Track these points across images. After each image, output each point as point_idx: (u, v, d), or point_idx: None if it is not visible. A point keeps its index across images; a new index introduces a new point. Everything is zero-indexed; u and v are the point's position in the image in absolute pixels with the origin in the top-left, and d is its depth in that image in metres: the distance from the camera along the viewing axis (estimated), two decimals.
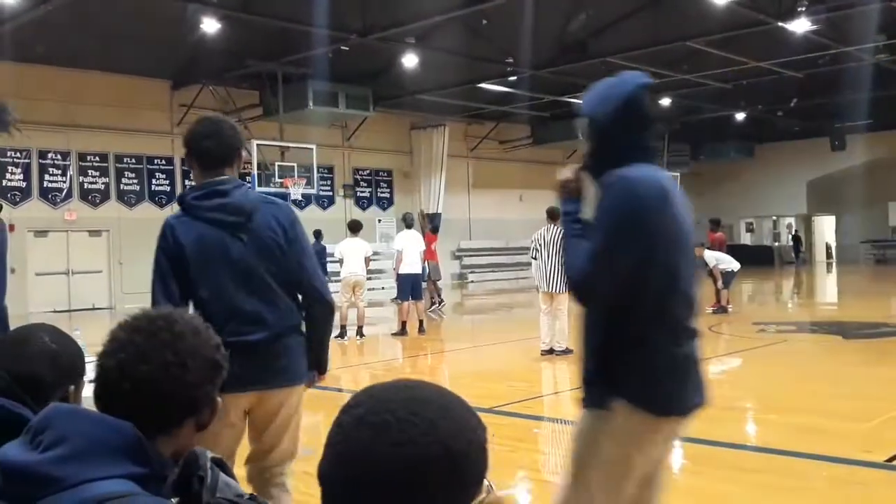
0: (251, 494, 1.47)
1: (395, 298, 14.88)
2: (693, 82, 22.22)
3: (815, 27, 17.00)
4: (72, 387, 1.86)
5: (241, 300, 2.93)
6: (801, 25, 16.74)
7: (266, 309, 2.95)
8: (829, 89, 23.33)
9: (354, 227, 12.99)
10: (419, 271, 13.45)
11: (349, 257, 12.56)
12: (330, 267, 13.47)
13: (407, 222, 13.72)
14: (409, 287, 13.15)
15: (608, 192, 2.42)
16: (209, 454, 1.45)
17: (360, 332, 12.89)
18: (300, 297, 3.13)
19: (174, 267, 3.06)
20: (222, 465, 1.47)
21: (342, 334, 12.73)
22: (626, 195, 2.37)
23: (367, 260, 12.86)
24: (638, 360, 2.47)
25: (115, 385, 1.32)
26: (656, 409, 2.47)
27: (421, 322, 13.63)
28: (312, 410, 7.45)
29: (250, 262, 2.94)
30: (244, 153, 3.19)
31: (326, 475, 1.06)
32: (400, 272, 13.19)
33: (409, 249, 13.03)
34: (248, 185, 3.20)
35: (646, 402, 2.46)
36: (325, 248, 15.01)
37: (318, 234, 16.02)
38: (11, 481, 1.22)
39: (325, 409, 7.97)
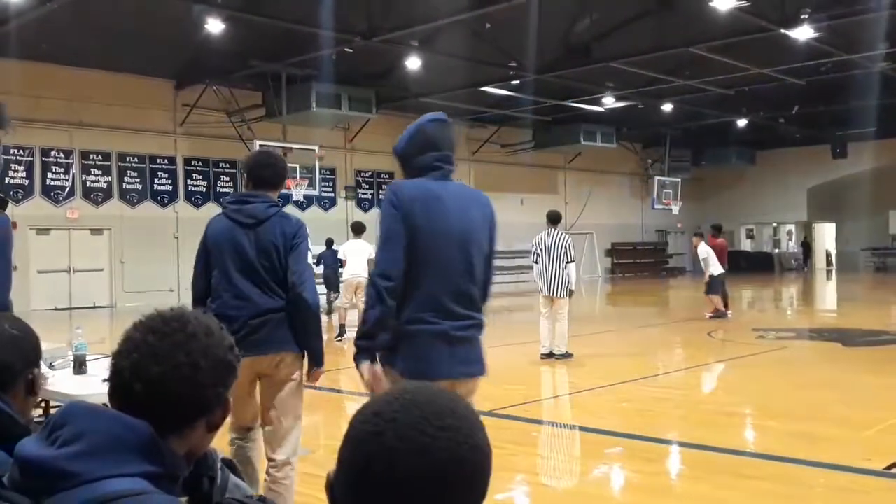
0: (260, 496, 1.48)
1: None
2: (695, 88, 22.23)
3: (817, 34, 17.00)
4: (35, 370, 1.87)
5: (237, 281, 3.69)
6: (803, 33, 16.75)
7: (255, 292, 3.68)
8: (831, 97, 23.35)
9: (358, 229, 12.94)
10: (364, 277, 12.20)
11: (352, 258, 12.55)
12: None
13: (356, 230, 13.10)
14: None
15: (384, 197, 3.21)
16: (220, 455, 1.46)
17: None
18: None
19: (205, 251, 3.83)
20: (232, 467, 1.48)
21: (341, 334, 12.84)
22: (388, 197, 3.10)
23: (370, 262, 12.02)
24: (402, 332, 2.99)
25: (127, 385, 1.34)
26: (408, 375, 2.91)
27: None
28: (311, 411, 7.48)
29: (251, 255, 3.70)
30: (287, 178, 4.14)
31: (354, 494, 1.08)
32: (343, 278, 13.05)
33: (352, 258, 12.66)
34: (279, 205, 3.85)
35: (402, 368, 2.97)
36: (336, 252, 14.96)
37: (329, 243, 16.59)
38: (28, 475, 1.24)
39: (324, 410, 8.01)
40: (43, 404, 4.42)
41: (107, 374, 1.39)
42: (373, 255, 12.34)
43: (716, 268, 15.00)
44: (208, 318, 1.44)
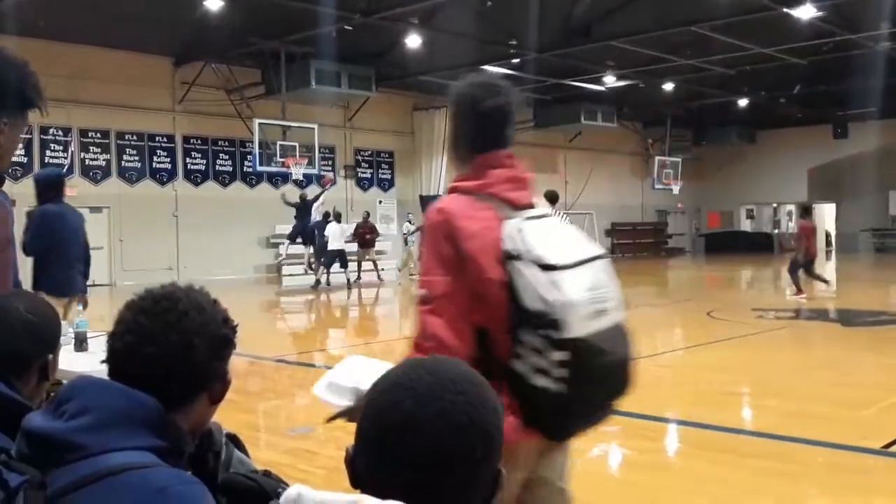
0: (265, 470, 1.48)
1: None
2: (696, 67, 22.14)
3: (820, 14, 16.92)
4: (50, 355, 1.84)
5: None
6: (806, 12, 16.66)
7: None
8: (832, 77, 23.26)
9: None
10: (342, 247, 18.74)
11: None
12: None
13: (334, 215, 18.95)
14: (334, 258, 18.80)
15: None
16: (224, 430, 1.47)
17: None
18: None
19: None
20: (236, 442, 1.48)
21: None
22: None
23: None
24: None
25: (124, 366, 1.35)
26: None
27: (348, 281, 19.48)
28: (309, 390, 7.51)
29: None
30: None
31: (379, 462, 1.09)
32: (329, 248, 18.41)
33: (334, 236, 18.15)
34: None
35: None
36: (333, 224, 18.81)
37: (326, 216, 19.31)
38: (36, 447, 1.25)
39: None
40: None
41: (104, 356, 1.39)
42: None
43: (798, 250, 14.72)
44: (200, 294, 1.44)
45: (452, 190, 2.23)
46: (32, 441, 1.25)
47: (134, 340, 1.35)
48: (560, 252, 2.03)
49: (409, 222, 21.65)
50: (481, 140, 2.28)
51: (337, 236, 18.41)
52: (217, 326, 1.41)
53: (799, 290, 14.56)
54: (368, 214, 21.49)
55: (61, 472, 1.21)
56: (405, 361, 1.16)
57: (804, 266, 14.67)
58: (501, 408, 1.15)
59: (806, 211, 15.68)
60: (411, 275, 21.04)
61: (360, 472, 1.11)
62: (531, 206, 2.25)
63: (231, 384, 1.46)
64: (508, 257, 2.03)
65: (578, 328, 1.95)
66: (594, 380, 2.02)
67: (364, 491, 1.10)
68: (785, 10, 16.35)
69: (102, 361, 1.39)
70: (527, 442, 2.10)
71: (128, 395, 1.29)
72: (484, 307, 2.03)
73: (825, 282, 14.61)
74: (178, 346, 1.34)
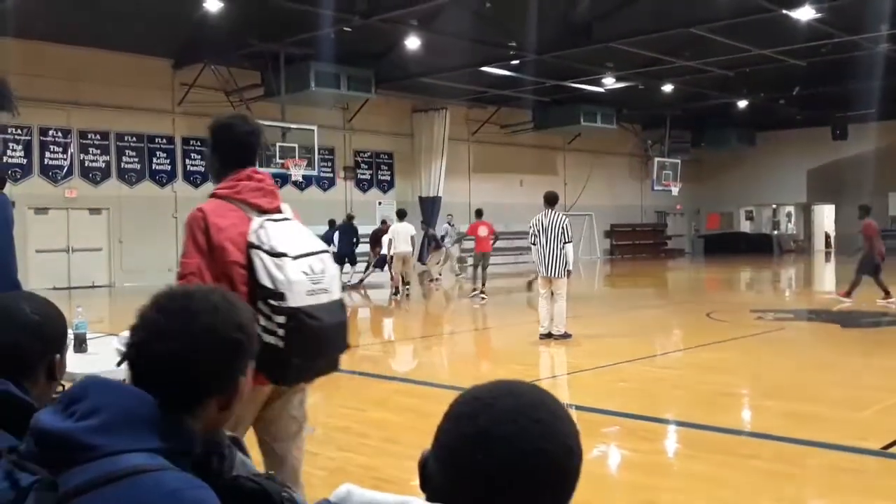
0: (268, 473, 1.48)
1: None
2: (696, 69, 22.14)
3: (819, 15, 16.92)
4: (57, 355, 1.83)
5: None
6: (805, 13, 16.67)
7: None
8: (831, 78, 23.25)
9: (402, 214, 17.48)
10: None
11: (399, 238, 16.81)
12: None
13: (400, 215, 17.82)
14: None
15: None
16: (227, 433, 1.47)
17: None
18: None
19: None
20: (238, 444, 1.49)
21: (397, 292, 17.07)
22: None
23: (413, 239, 17.26)
24: None
25: (135, 363, 1.36)
26: None
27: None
28: (311, 390, 7.50)
29: None
30: None
31: (451, 480, 1.10)
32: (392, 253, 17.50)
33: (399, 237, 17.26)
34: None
35: None
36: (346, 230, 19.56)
37: (332, 224, 19.89)
38: (46, 446, 1.25)
39: (323, 390, 8.02)
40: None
41: (104, 357, 1.40)
42: (414, 233, 17.35)
43: (865, 251, 14.13)
44: (218, 294, 1.43)
45: (212, 196, 2.94)
46: (42, 440, 1.25)
47: (145, 337, 1.36)
48: (289, 245, 2.75)
49: (449, 224, 21.63)
50: (234, 159, 2.98)
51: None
52: (229, 330, 1.39)
53: (886, 294, 13.74)
54: (384, 221, 21.47)
55: (72, 472, 1.21)
56: (495, 381, 1.17)
57: (875, 269, 13.87)
58: (579, 448, 1.13)
59: (866, 210, 14.57)
60: (457, 274, 21.74)
61: (430, 476, 1.13)
62: (277, 211, 2.94)
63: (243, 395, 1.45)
64: (251, 246, 2.75)
65: (297, 300, 2.68)
66: (308, 339, 2.72)
67: (430, 495, 1.11)
68: (784, 11, 16.36)
69: (120, 357, 1.40)
70: (265, 386, 2.82)
71: (137, 396, 1.30)
72: (229, 283, 2.68)
73: (887, 292, 13.75)
74: (186, 345, 1.35)
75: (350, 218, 20.13)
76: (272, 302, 2.67)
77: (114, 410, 1.26)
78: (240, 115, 3.14)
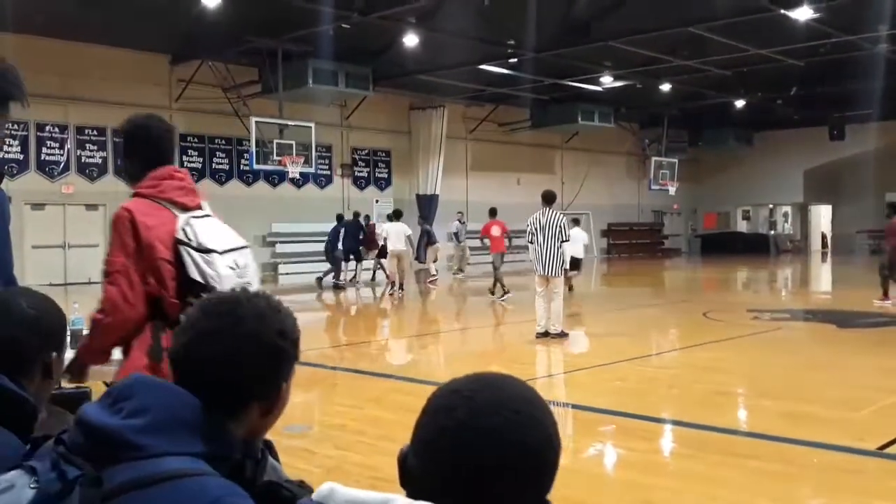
0: (300, 481, 1.48)
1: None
2: (694, 68, 22.14)
3: (817, 15, 16.92)
4: (54, 353, 1.80)
5: None
6: (803, 13, 16.67)
7: None
8: (829, 78, 23.26)
9: (398, 214, 18.02)
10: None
11: (393, 237, 17.22)
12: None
13: (397, 215, 18.34)
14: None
15: None
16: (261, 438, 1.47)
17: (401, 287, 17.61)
18: None
19: None
20: (271, 449, 1.49)
21: (400, 287, 17.39)
22: None
23: (408, 238, 17.72)
24: None
25: (180, 365, 1.37)
26: None
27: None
28: (306, 388, 7.50)
29: None
30: None
31: (428, 468, 1.10)
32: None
33: (393, 236, 17.52)
34: None
35: None
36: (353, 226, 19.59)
37: (339, 218, 20.03)
38: (93, 441, 1.25)
39: (319, 388, 8.00)
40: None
41: None
42: (409, 232, 17.73)
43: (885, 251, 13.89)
44: (264, 300, 1.44)
45: (136, 195, 3.00)
46: (90, 434, 1.26)
47: (189, 339, 1.37)
48: (216, 241, 2.84)
49: (460, 221, 21.79)
50: (154, 158, 3.02)
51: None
52: (272, 337, 1.40)
53: (885, 295, 13.60)
54: (368, 217, 21.74)
55: (117, 469, 1.22)
56: (472, 374, 1.17)
57: (890, 267, 13.61)
58: (558, 439, 1.13)
59: (894, 208, 14.02)
60: (460, 270, 21.84)
61: (410, 471, 1.12)
62: (199, 208, 3.00)
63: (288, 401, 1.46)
64: (179, 243, 2.81)
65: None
66: None
67: (410, 491, 1.10)
68: (782, 11, 16.36)
69: (167, 356, 1.41)
70: None
71: (183, 398, 1.31)
72: (158, 280, 2.78)
73: (886, 294, 13.56)
74: (230, 350, 1.36)
75: (356, 215, 20.23)
76: (203, 296, 2.75)
77: (161, 411, 1.27)
78: (154, 115, 3.19)
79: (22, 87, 2.14)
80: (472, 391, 1.11)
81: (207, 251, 2.80)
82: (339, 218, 20.11)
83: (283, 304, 1.47)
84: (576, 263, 15.60)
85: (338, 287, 18.87)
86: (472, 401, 1.09)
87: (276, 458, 1.50)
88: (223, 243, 2.88)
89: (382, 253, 19.22)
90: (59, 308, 1.88)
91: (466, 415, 1.08)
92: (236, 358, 1.35)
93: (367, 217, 21.38)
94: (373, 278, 21.06)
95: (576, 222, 18.18)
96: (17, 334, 1.73)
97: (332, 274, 19.16)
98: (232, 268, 2.82)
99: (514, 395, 1.11)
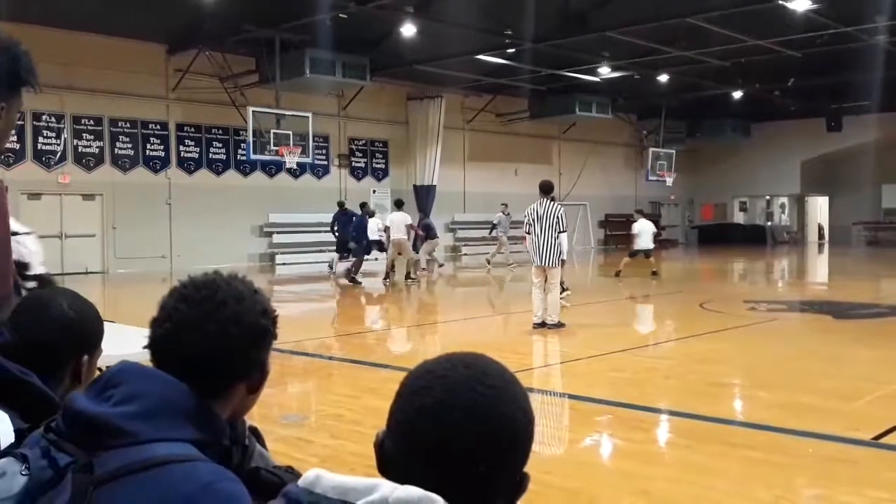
0: (288, 466, 1.48)
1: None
2: (692, 59, 22.12)
3: (815, 6, 16.91)
4: (86, 356, 1.80)
5: None
6: (801, 4, 16.66)
7: None
8: (827, 70, 23.27)
9: (399, 204, 18.21)
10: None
11: (394, 226, 17.34)
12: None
13: (398, 204, 18.48)
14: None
15: None
16: (248, 423, 1.48)
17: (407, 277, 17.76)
18: None
19: None
20: (257, 435, 1.49)
21: (387, 277, 17.57)
22: None
23: (408, 227, 17.82)
24: None
25: (162, 353, 1.36)
26: None
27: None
28: (302, 379, 7.50)
29: None
30: None
31: (406, 450, 1.10)
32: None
33: (395, 225, 17.52)
34: None
35: None
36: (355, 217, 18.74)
37: (341, 204, 19.65)
38: (81, 429, 1.25)
39: (315, 377, 8.01)
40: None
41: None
42: (410, 222, 17.92)
43: None
44: (241, 282, 1.44)
45: None
46: (77, 422, 1.26)
47: (172, 328, 1.37)
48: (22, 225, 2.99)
49: (504, 213, 21.51)
50: None
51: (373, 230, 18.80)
52: (255, 316, 1.41)
53: None
54: (365, 205, 21.49)
55: (108, 456, 1.22)
56: (443, 354, 1.18)
57: None
58: (531, 410, 1.14)
59: None
60: (509, 263, 20.97)
61: (388, 455, 1.13)
62: None
63: (269, 375, 1.46)
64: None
65: (37, 269, 3.03)
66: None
67: (390, 475, 1.10)
68: (780, 2, 16.35)
69: (144, 347, 1.40)
70: None
71: (172, 385, 1.31)
72: None
73: None
74: (215, 334, 1.35)
75: (362, 206, 19.33)
76: (23, 272, 2.92)
77: (151, 398, 1.27)
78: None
79: (35, 73, 2.12)
80: (446, 370, 1.12)
81: (14, 234, 2.91)
82: (341, 205, 19.44)
83: (255, 284, 1.47)
84: (648, 253, 17.41)
85: (354, 282, 17.46)
86: (446, 379, 1.10)
87: (262, 444, 1.50)
88: (25, 226, 3.02)
89: (381, 247, 18.99)
90: (98, 313, 1.88)
91: (443, 393, 1.08)
92: (222, 343, 1.35)
93: (373, 212, 19.91)
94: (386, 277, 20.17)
95: (640, 213, 18.37)
96: (54, 336, 1.74)
97: (353, 267, 17.95)
98: (37, 247, 3.03)
99: (488, 371, 1.13)
